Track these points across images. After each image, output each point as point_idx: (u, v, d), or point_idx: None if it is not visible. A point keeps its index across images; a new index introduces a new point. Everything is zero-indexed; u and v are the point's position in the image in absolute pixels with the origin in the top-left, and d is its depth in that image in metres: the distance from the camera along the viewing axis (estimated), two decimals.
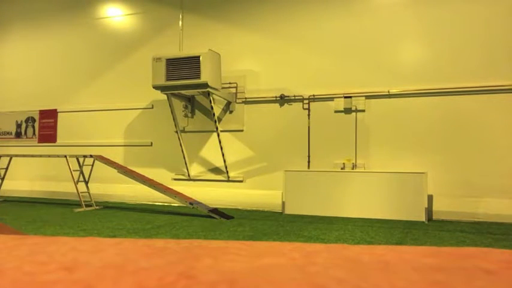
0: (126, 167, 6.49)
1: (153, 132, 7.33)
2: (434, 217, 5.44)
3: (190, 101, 7.00)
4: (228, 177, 6.66)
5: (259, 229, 4.56)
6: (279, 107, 6.48)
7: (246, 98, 6.66)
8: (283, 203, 5.90)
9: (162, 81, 6.21)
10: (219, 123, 6.62)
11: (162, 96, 6.63)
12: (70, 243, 0.55)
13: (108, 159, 6.45)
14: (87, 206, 6.23)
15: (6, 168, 7.03)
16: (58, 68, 8.29)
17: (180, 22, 7.21)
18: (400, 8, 5.90)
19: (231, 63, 6.66)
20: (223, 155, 6.49)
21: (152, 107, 7.33)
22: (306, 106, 6.30)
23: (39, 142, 8.35)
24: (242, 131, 6.68)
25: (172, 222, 5.02)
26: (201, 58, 5.97)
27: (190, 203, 5.58)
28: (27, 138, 8.50)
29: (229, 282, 0.38)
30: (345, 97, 6.05)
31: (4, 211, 5.94)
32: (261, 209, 6.28)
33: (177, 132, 6.70)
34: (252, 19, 6.72)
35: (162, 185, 6.02)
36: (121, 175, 6.19)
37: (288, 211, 5.85)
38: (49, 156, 6.79)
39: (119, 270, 0.42)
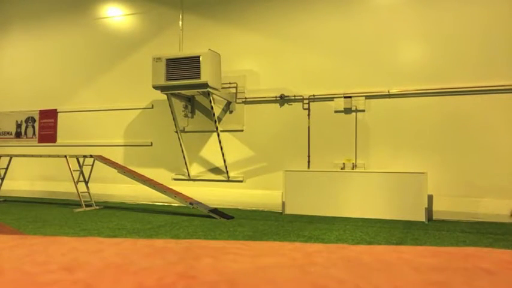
0: (126, 167, 6.49)
1: (153, 132, 7.33)
2: (434, 217, 5.44)
3: (190, 101, 7.00)
4: (228, 177, 6.66)
5: (259, 229, 4.56)
6: (279, 107, 6.48)
7: (246, 98, 6.66)
8: (283, 203, 5.90)
9: (162, 81, 6.21)
10: (219, 123, 6.62)
11: (162, 96, 6.63)
12: (70, 243, 0.55)
13: (108, 159, 6.45)
14: (87, 206, 6.23)
15: (6, 168, 7.03)
16: (58, 68, 8.29)
17: (180, 22, 7.21)
18: (400, 8, 5.90)
19: (231, 63, 6.66)
20: (223, 155, 6.49)
21: (152, 107, 7.33)
22: (306, 106, 6.30)
23: (39, 142, 8.36)
24: (242, 131, 6.68)
25: (172, 222, 5.02)
26: (201, 58, 5.97)
27: (190, 203, 5.58)
28: (27, 138, 8.50)
29: (229, 282, 0.38)
30: (345, 97, 6.05)
31: (4, 211, 5.94)
32: (261, 209, 6.28)
33: (177, 132, 6.70)
34: (252, 19, 6.72)
35: (162, 185, 6.02)
36: (121, 175, 6.19)
37: (288, 211, 5.85)
38: (49, 156, 6.78)
39: (119, 270, 0.42)
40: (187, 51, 6.28)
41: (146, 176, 6.24)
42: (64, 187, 7.69)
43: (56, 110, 8.24)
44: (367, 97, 5.97)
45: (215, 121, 6.42)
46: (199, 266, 0.43)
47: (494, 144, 5.37)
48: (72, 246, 0.53)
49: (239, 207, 6.40)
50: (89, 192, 6.50)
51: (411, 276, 0.41)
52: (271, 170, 6.43)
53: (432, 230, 4.60)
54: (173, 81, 6.15)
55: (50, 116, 8.30)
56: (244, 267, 0.43)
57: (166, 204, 6.74)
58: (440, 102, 5.63)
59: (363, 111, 6.00)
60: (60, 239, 0.58)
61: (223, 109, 6.79)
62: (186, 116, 6.99)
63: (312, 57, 6.31)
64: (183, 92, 6.44)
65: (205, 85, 5.99)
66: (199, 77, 5.96)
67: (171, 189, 5.98)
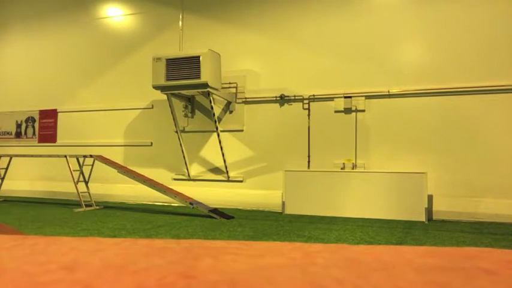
0: (126, 167, 6.49)
1: (153, 132, 7.33)
2: (434, 217, 5.44)
3: (190, 101, 7.00)
4: (228, 177, 6.66)
5: (259, 229, 4.56)
6: (279, 107, 6.48)
7: (246, 98, 6.66)
8: (283, 203, 5.90)
9: (162, 81, 6.21)
10: (219, 123, 6.62)
11: (162, 96, 6.63)
12: (70, 243, 0.55)
13: (108, 159, 6.45)
14: (87, 206, 6.23)
15: (6, 168, 7.03)
16: (58, 68, 8.29)
17: (180, 22, 7.21)
18: (400, 8, 5.90)
19: (231, 63, 6.66)
20: (223, 155, 6.49)
21: (152, 107, 7.33)
22: (306, 106, 6.30)
23: (39, 142, 8.36)
24: (242, 131, 6.68)
25: (172, 222, 5.02)
26: (201, 58, 5.97)
27: (191, 203, 5.58)
28: (27, 138, 8.50)
29: (229, 282, 0.38)
30: (345, 97, 6.05)
31: (4, 211, 5.94)
32: (261, 209, 6.28)
33: (177, 132, 6.70)
34: (252, 19, 6.72)
35: (162, 185, 6.02)
36: (121, 175, 6.19)
37: (288, 211, 5.85)
38: (49, 156, 6.79)
39: (119, 270, 0.42)
40: (187, 51, 6.28)
41: (146, 176, 6.24)
42: (64, 187, 7.69)
43: (56, 110, 8.24)
44: (367, 97, 5.97)
45: (215, 121, 6.42)
46: (199, 266, 0.43)
47: (494, 144, 5.37)
48: (72, 246, 0.53)
49: (239, 207, 6.40)
50: (89, 192, 6.50)
51: (411, 276, 0.41)
52: (271, 170, 6.43)
53: (432, 230, 4.60)
54: (173, 81, 6.15)
55: (50, 116, 8.30)
56: (244, 267, 0.43)
57: (166, 204, 6.74)
58: (440, 102, 5.63)
59: (363, 111, 6.00)
60: (60, 239, 0.58)
61: (223, 109, 6.79)
62: (186, 116, 6.99)
63: (312, 57, 6.31)
64: (183, 92, 6.44)
65: (205, 85, 5.99)
66: (199, 77, 5.96)
67: (171, 189, 5.98)
